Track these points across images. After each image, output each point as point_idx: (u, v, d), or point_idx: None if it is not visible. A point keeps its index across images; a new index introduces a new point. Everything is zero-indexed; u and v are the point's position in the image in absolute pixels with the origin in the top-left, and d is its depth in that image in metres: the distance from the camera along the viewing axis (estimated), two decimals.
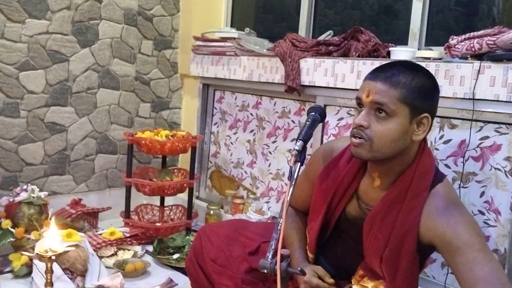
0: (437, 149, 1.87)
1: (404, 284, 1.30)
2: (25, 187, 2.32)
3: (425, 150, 1.32)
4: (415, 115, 1.24)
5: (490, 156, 1.74)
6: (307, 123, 1.40)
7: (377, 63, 1.98)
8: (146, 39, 2.92)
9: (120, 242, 2.38)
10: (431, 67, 1.78)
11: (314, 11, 2.67)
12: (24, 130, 2.53)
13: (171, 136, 2.59)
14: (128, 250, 2.38)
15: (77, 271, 2.01)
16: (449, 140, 1.85)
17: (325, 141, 2.25)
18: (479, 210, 1.77)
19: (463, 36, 1.72)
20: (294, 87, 2.26)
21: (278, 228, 1.22)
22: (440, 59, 1.84)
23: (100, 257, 2.21)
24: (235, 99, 2.83)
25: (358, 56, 2.11)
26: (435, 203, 1.26)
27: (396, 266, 1.29)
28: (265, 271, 1.21)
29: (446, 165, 1.84)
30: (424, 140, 1.32)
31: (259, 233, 1.67)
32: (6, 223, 2.17)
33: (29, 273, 2.01)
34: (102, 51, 2.74)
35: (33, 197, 2.26)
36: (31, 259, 1.99)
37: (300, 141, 1.32)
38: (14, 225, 2.20)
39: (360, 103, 1.28)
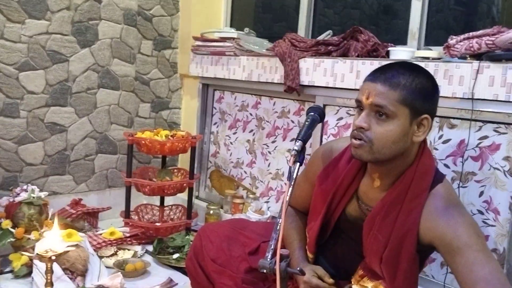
0: (436, 149, 1.87)
1: (404, 285, 1.30)
2: (25, 187, 2.32)
3: (425, 150, 1.32)
4: (415, 117, 1.25)
5: (489, 156, 1.74)
6: (306, 123, 1.40)
7: (376, 63, 1.99)
8: (146, 39, 2.92)
9: (120, 242, 2.38)
10: (430, 67, 1.78)
11: (314, 11, 2.67)
12: (24, 130, 2.53)
13: (171, 136, 2.59)
14: (128, 250, 2.39)
15: (77, 271, 2.01)
16: (448, 140, 1.85)
17: (324, 141, 2.25)
18: (478, 210, 1.77)
19: (462, 36, 1.73)
20: (293, 87, 2.26)
21: (278, 228, 1.23)
22: (439, 59, 1.84)
23: (100, 257, 2.21)
24: (235, 99, 2.83)
25: (358, 56, 2.11)
26: (435, 203, 1.26)
27: (396, 267, 1.29)
28: (265, 271, 1.21)
29: (445, 165, 1.84)
30: (424, 140, 1.32)
31: (259, 232, 1.67)
32: (6, 223, 2.17)
33: (29, 273, 2.01)
34: (101, 51, 2.74)
35: (33, 197, 2.26)
36: (31, 259, 1.99)
37: (299, 141, 1.32)
38: (14, 225, 2.20)
39: (360, 105, 1.28)
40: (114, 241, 2.36)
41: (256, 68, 2.52)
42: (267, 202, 2.63)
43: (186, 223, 2.64)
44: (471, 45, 1.69)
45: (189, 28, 2.98)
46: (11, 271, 2.07)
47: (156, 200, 2.81)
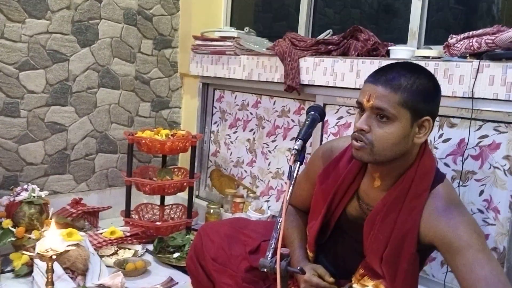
0: (436, 148, 1.87)
1: (404, 284, 1.30)
2: (25, 186, 2.32)
3: (425, 151, 1.32)
4: (417, 118, 1.24)
5: (489, 155, 1.74)
6: (307, 122, 1.40)
7: (376, 62, 1.99)
8: (146, 38, 2.92)
9: (121, 241, 2.39)
10: (430, 66, 1.78)
11: (314, 10, 2.67)
12: (25, 130, 2.53)
13: (171, 135, 2.59)
14: (129, 249, 2.39)
15: (77, 270, 2.02)
16: (448, 139, 1.85)
17: (324, 140, 2.25)
18: (478, 209, 1.77)
19: (462, 35, 1.73)
20: (293, 86, 2.26)
21: (278, 227, 1.23)
22: (439, 58, 1.84)
23: (101, 256, 2.21)
24: (235, 98, 2.83)
25: (358, 55, 2.11)
26: (436, 203, 1.26)
27: (396, 266, 1.30)
28: (265, 270, 1.21)
29: (446, 164, 1.84)
30: (425, 141, 1.32)
31: (259, 231, 1.67)
32: (7, 223, 2.17)
33: (30, 273, 2.01)
34: (102, 51, 2.74)
35: (34, 196, 2.26)
36: (32, 259, 1.99)
37: (300, 140, 1.33)
38: (15, 225, 2.20)
39: (361, 107, 1.28)
40: (115, 240, 2.36)
41: (256, 67, 2.52)
42: (267, 201, 2.63)
43: (186, 222, 2.64)
44: (471, 44, 1.69)
45: (189, 28, 2.98)
46: (11, 271, 2.07)
47: (156, 199, 2.81)
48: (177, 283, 2.12)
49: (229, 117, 2.87)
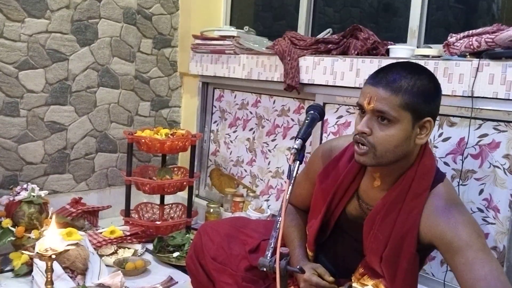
0: (436, 147, 1.87)
1: (404, 283, 1.30)
2: (25, 186, 2.32)
3: (426, 150, 1.32)
4: (418, 120, 1.24)
5: (489, 154, 1.74)
6: (306, 121, 1.40)
7: (376, 61, 1.99)
8: (146, 37, 2.92)
9: (120, 240, 2.39)
10: (430, 65, 1.78)
11: (313, 9, 2.67)
12: (24, 129, 2.53)
13: (171, 134, 2.59)
14: (128, 248, 2.39)
15: (77, 270, 2.02)
16: (448, 138, 1.85)
17: (324, 139, 2.25)
18: (478, 208, 1.77)
19: (461, 34, 1.73)
20: (293, 85, 2.26)
21: (278, 226, 1.23)
22: (439, 57, 1.84)
23: (101, 256, 2.21)
24: (235, 97, 2.83)
25: (357, 54, 2.11)
26: (435, 203, 1.26)
27: (396, 266, 1.29)
28: (265, 269, 1.21)
29: (445, 163, 1.84)
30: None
31: (259, 231, 1.67)
32: (7, 222, 2.17)
33: (29, 272, 2.01)
34: (101, 50, 2.74)
35: (33, 196, 2.26)
36: (31, 258, 1.99)
37: (299, 139, 1.32)
38: (15, 224, 2.20)
39: (361, 109, 1.27)
40: (114, 240, 2.36)
41: (256, 66, 2.52)
42: (267, 200, 2.63)
43: (186, 221, 2.64)
44: (470, 43, 1.69)
45: (188, 27, 2.98)
46: (11, 270, 2.07)
47: (156, 199, 2.81)
48: (177, 282, 2.12)
49: (229, 116, 2.87)
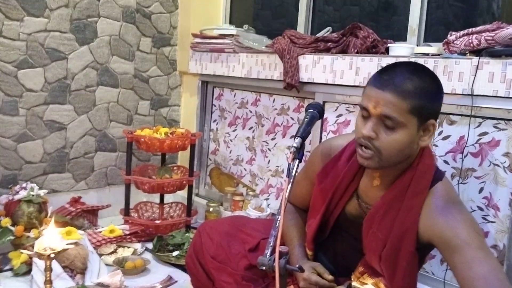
0: (436, 145, 1.87)
1: (404, 282, 1.30)
2: (24, 185, 2.32)
3: (426, 150, 1.31)
4: (423, 122, 1.23)
5: (489, 152, 1.74)
6: (306, 120, 1.39)
7: (375, 59, 1.98)
8: (145, 36, 2.92)
9: (120, 239, 2.38)
10: (429, 63, 1.77)
11: (313, 8, 2.66)
12: (23, 128, 2.53)
13: (170, 133, 2.59)
14: (128, 247, 2.39)
15: (76, 269, 2.01)
16: (448, 136, 1.85)
17: (324, 138, 2.25)
18: (478, 206, 1.77)
19: (461, 32, 1.72)
20: (293, 84, 2.26)
21: (277, 225, 1.22)
22: (438, 55, 1.83)
23: (100, 255, 2.21)
24: (234, 96, 2.83)
25: (357, 53, 2.11)
26: (434, 202, 1.26)
27: (395, 265, 1.29)
28: (264, 268, 1.20)
29: (445, 161, 1.84)
30: None
31: (258, 229, 1.67)
32: (6, 221, 2.17)
33: (28, 271, 2.01)
34: (100, 49, 2.73)
35: (33, 195, 2.26)
36: (30, 257, 1.99)
37: (299, 138, 1.32)
38: (14, 223, 2.20)
39: (366, 111, 1.25)
40: (114, 239, 2.36)
41: (255, 65, 2.52)
42: (266, 199, 2.63)
43: (185, 220, 2.64)
44: (470, 41, 1.68)
45: (188, 25, 2.97)
46: (10, 269, 2.06)
47: (155, 198, 2.81)
48: (176, 281, 2.12)
49: (229, 115, 2.87)
